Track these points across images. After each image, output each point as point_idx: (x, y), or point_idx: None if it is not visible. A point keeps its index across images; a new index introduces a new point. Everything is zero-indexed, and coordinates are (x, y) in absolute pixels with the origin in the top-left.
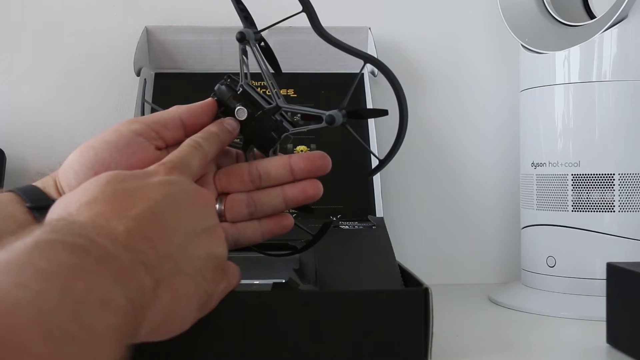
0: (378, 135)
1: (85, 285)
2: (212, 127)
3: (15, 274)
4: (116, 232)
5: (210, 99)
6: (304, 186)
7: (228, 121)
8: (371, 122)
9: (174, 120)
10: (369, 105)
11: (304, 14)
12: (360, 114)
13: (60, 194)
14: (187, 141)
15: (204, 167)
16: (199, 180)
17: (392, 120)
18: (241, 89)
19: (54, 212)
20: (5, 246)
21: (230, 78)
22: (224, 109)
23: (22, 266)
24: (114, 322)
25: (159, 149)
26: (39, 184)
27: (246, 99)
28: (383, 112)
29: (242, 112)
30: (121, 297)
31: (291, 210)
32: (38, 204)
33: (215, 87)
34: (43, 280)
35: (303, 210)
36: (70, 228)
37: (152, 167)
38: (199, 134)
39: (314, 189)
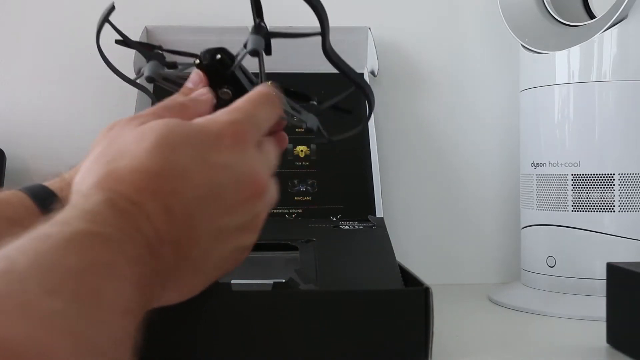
0: (378, 135)
1: (114, 290)
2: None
3: (47, 276)
4: (151, 235)
5: (197, 74)
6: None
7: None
8: (371, 122)
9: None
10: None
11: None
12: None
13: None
14: (262, 92)
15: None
16: None
17: (392, 120)
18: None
19: (95, 175)
20: (38, 233)
21: (224, 53)
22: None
23: (54, 266)
24: (129, 330)
25: None
26: (56, 189)
27: (234, 83)
28: (347, 111)
29: (226, 94)
30: (136, 306)
31: (293, 213)
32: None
33: (205, 60)
34: (74, 280)
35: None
36: (106, 215)
37: (217, 127)
38: (269, 86)
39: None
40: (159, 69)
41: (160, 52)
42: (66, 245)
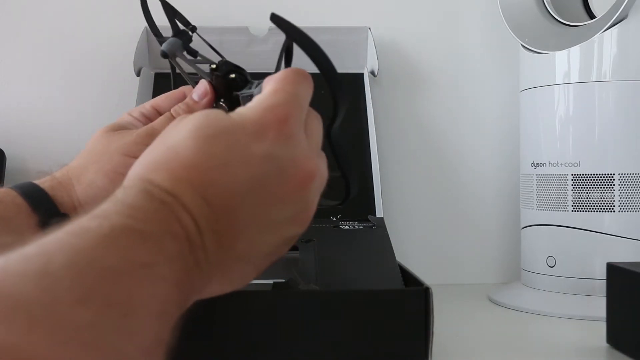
0: (378, 134)
1: (149, 294)
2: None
3: (80, 280)
4: (190, 226)
5: (204, 86)
6: None
7: None
8: (371, 122)
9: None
10: (369, 105)
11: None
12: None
13: (75, 208)
14: (296, 70)
15: None
16: None
17: (392, 120)
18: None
19: (136, 165)
20: (77, 227)
21: (240, 74)
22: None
23: (89, 266)
24: (162, 334)
25: None
26: (47, 188)
27: (234, 103)
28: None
29: (221, 107)
30: (173, 307)
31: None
32: (48, 216)
33: (220, 71)
34: (109, 284)
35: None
36: (146, 208)
37: (259, 117)
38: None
39: None
40: (178, 49)
41: (190, 33)
42: (104, 242)
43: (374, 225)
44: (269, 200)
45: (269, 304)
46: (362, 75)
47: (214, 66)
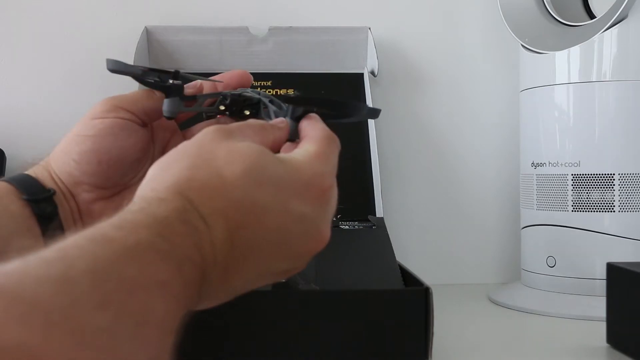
0: (378, 135)
1: (164, 310)
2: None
3: (100, 286)
4: (209, 259)
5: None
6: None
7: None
8: (371, 122)
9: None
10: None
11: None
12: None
13: (56, 184)
14: (332, 137)
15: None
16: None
17: (392, 120)
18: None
19: (175, 175)
20: (99, 234)
21: (251, 108)
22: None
23: (109, 275)
24: (169, 349)
25: (144, 125)
26: (31, 173)
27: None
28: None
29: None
30: (178, 324)
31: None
32: (35, 196)
33: (232, 113)
34: (127, 294)
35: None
36: (175, 228)
37: (308, 178)
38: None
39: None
40: (178, 107)
41: (179, 82)
42: (128, 255)
43: (374, 225)
44: (282, 255)
45: (269, 304)
46: (362, 75)
47: (222, 107)
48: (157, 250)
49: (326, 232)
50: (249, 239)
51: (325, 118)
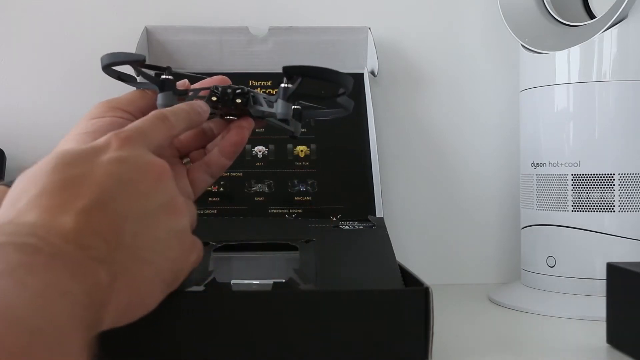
0: (378, 134)
1: (40, 280)
2: (182, 105)
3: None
4: (66, 229)
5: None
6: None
7: (199, 103)
8: (371, 122)
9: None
10: (369, 105)
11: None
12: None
13: None
14: (153, 112)
15: (168, 140)
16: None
17: (392, 120)
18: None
19: (3, 211)
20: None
21: (242, 96)
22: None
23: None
24: (75, 312)
25: None
26: None
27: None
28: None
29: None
30: (79, 292)
31: (293, 213)
32: None
33: (224, 104)
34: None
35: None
36: (18, 229)
37: (103, 139)
38: (168, 108)
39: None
40: (172, 101)
41: (170, 77)
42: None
43: (374, 225)
44: (135, 194)
45: (269, 304)
46: (362, 75)
47: (214, 98)
48: (8, 245)
49: (158, 161)
50: (93, 200)
51: (316, 96)
